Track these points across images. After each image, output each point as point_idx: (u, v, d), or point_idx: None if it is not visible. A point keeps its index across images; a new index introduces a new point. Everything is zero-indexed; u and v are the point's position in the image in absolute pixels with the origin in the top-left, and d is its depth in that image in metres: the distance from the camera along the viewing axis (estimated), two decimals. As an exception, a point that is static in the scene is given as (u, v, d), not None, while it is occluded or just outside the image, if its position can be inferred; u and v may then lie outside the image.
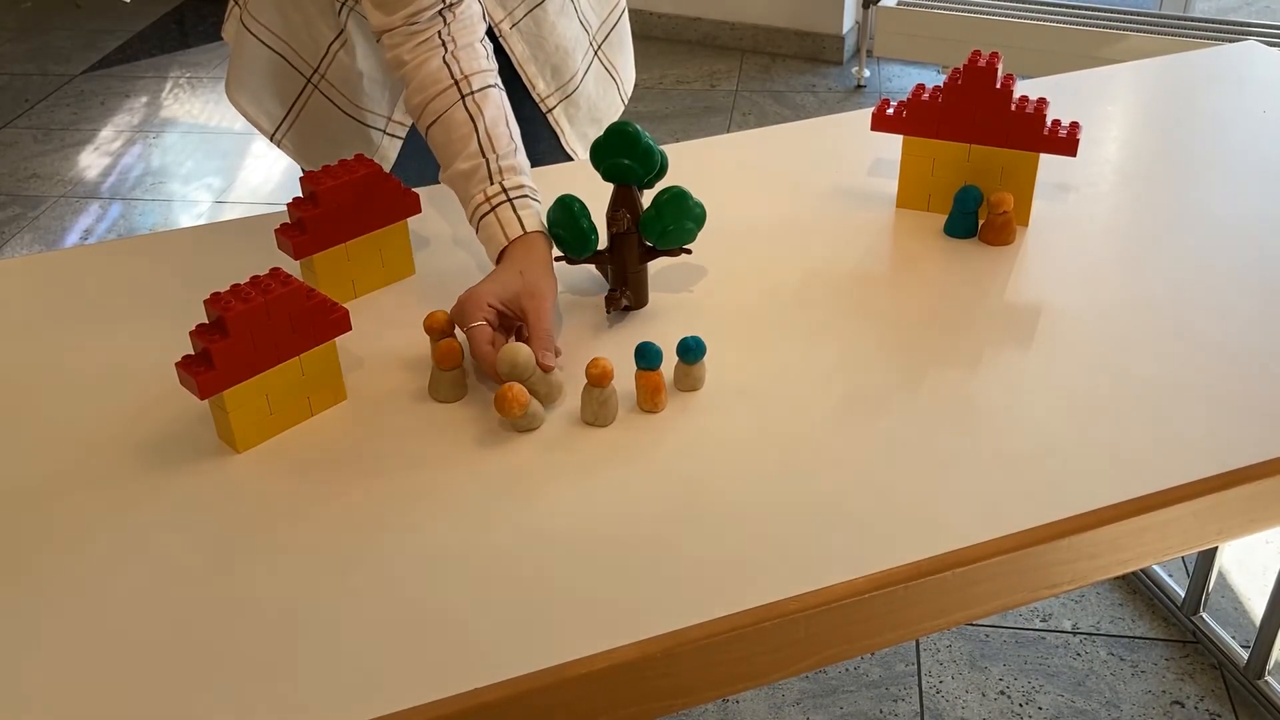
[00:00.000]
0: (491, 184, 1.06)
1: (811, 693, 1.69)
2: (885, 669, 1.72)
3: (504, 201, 1.05)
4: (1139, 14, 3.21)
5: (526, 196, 1.07)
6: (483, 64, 1.11)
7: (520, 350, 0.93)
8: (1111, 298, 1.09)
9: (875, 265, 1.15)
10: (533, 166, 1.37)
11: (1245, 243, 1.17)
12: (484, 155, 1.07)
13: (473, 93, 1.09)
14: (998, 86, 1.15)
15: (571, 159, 1.45)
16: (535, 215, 1.06)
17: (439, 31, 1.11)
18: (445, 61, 1.10)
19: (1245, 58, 1.59)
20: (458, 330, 1.01)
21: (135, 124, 3.55)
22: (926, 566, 0.81)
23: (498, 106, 1.10)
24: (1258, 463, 0.89)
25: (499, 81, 1.13)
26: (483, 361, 0.97)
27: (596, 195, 1.07)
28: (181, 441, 0.94)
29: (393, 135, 1.37)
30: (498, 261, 1.05)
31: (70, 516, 0.87)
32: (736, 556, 0.82)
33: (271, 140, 1.39)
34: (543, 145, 1.43)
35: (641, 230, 1.05)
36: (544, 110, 1.40)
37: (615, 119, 1.48)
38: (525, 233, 1.04)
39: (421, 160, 1.44)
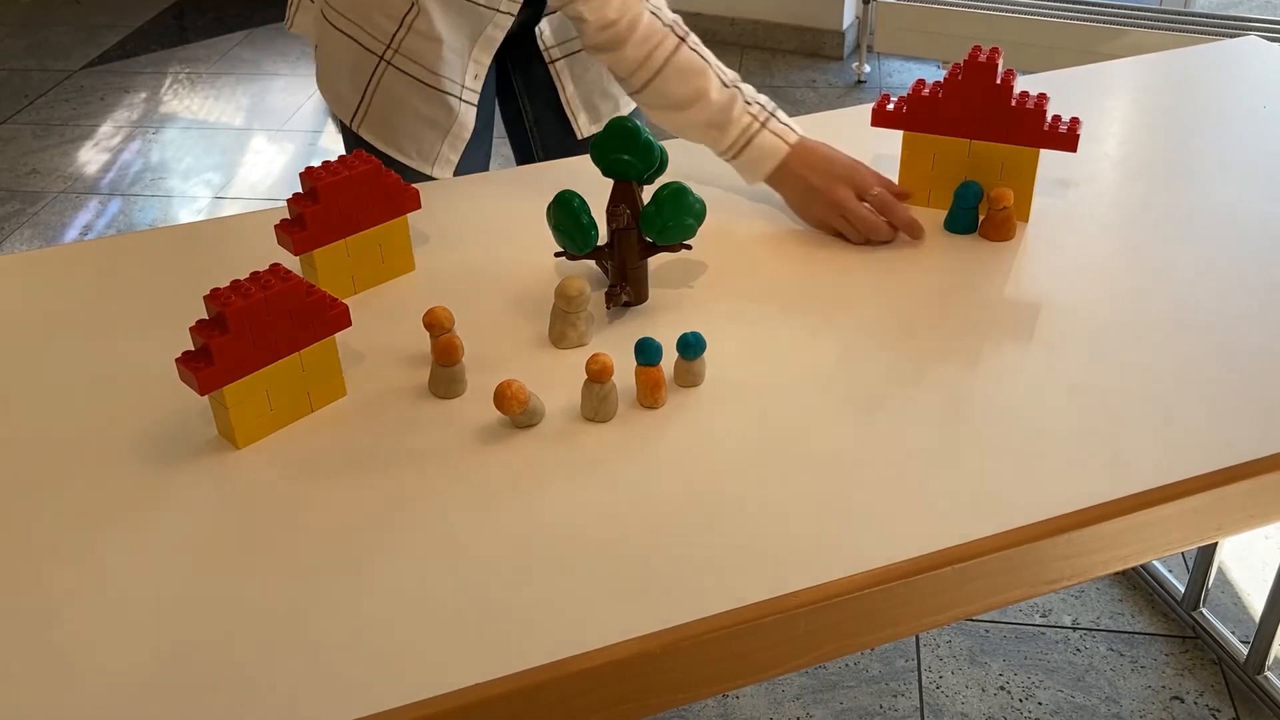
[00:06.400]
0: (751, 105, 1.18)
1: (811, 688, 1.69)
2: (885, 664, 1.72)
3: (770, 116, 1.19)
4: (1139, 9, 3.21)
5: (780, 112, 1.21)
6: (670, 11, 1.20)
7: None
8: (1111, 293, 1.09)
9: (875, 261, 1.15)
10: (536, 126, 1.46)
11: (1245, 238, 1.17)
12: (732, 86, 1.18)
13: (686, 36, 1.19)
14: (998, 82, 1.15)
15: (573, 132, 1.45)
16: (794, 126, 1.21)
17: None
18: (652, 13, 1.18)
19: (1245, 53, 1.59)
20: (458, 328, 1.01)
21: (134, 120, 3.54)
22: (926, 562, 0.81)
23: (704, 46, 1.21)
24: (1257, 458, 0.89)
25: None
26: (906, 217, 1.17)
27: (596, 191, 1.07)
28: (182, 437, 0.94)
29: (468, 103, 1.36)
30: (774, 173, 1.19)
31: (70, 512, 0.87)
32: (736, 552, 0.82)
33: (351, 127, 1.38)
34: (542, 99, 1.46)
35: (641, 226, 1.05)
36: (548, 61, 1.43)
37: (624, 102, 1.48)
38: (801, 137, 1.19)
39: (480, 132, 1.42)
